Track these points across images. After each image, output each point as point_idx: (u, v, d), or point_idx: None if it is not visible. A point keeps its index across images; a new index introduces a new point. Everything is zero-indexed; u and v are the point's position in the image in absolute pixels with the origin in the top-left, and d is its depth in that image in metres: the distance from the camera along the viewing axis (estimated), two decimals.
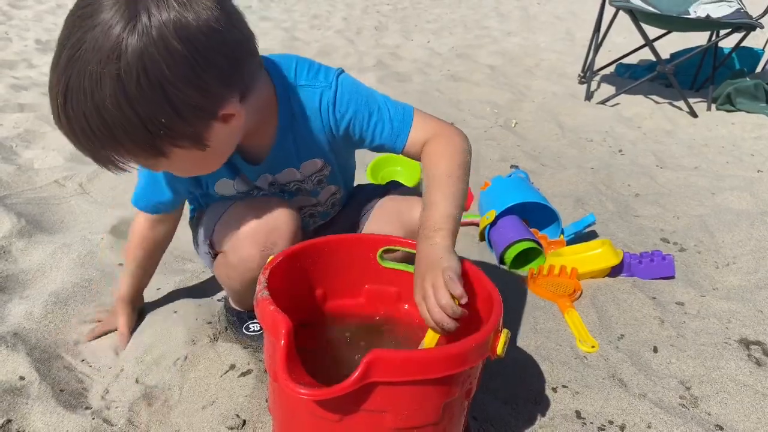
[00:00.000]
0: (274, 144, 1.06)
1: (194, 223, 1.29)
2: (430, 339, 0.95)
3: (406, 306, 1.11)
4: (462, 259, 1.04)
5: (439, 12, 7.02)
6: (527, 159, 2.59)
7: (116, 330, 1.35)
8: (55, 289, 1.48)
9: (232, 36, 0.83)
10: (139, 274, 1.33)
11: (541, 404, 1.20)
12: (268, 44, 4.74)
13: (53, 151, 2.36)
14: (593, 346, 1.37)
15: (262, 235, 1.06)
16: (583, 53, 4.04)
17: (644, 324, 1.48)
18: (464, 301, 0.90)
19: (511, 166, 2.42)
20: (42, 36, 4.48)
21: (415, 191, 1.27)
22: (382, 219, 1.23)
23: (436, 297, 0.90)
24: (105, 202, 2.02)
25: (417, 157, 1.11)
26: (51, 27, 4.86)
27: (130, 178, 2.17)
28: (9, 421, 1.09)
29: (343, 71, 1.09)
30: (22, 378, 1.18)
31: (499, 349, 0.86)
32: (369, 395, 0.79)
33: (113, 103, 0.77)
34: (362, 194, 1.33)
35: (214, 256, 1.18)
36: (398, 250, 1.09)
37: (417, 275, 0.96)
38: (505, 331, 0.88)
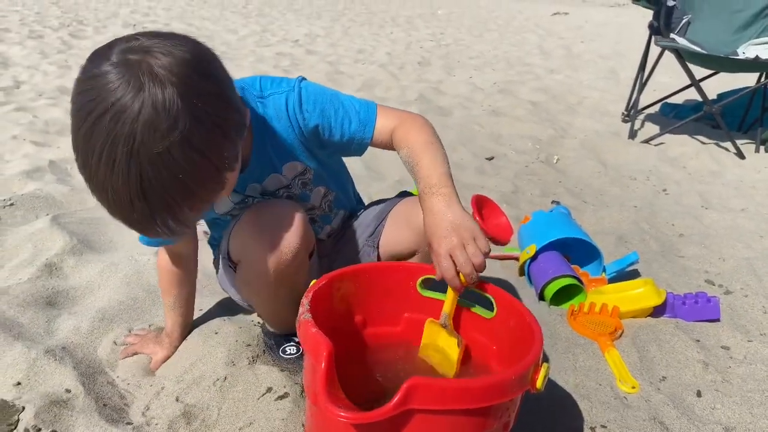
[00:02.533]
0: (253, 150, 1.12)
1: (217, 262, 1.33)
2: (450, 303, 1.03)
3: None
4: (501, 290, 1.05)
5: (481, 48, 7.09)
6: (569, 195, 2.57)
7: (148, 354, 1.37)
8: (102, 306, 1.53)
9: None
10: (178, 307, 1.36)
11: None
12: (313, 76, 4.86)
13: None
14: (634, 387, 1.34)
15: (267, 237, 1.09)
16: (627, 92, 4.02)
17: (687, 367, 1.44)
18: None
19: (552, 202, 2.41)
20: None
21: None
22: (394, 223, 1.29)
23: (470, 253, 0.94)
24: None
25: (388, 146, 1.16)
26: None
27: None
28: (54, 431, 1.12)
29: (305, 78, 1.15)
30: (68, 391, 1.22)
31: (539, 382, 0.86)
32: (407, 422, 0.79)
33: (188, 161, 0.81)
34: (380, 204, 1.37)
35: (235, 269, 1.21)
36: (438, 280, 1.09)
37: (433, 231, 0.98)
38: (545, 365, 0.87)
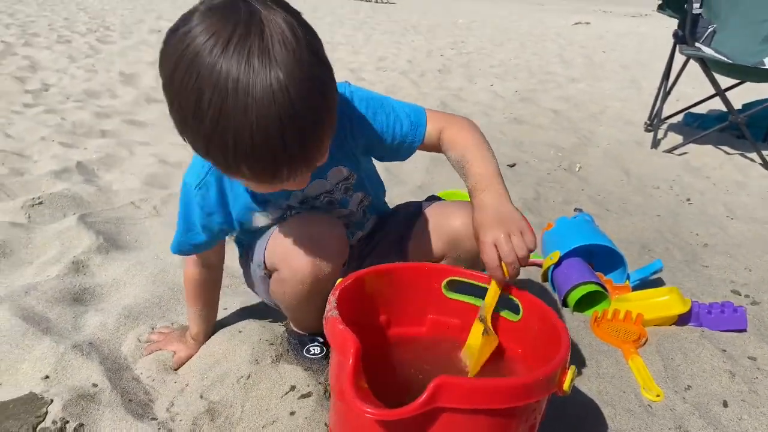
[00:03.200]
0: None
1: (243, 260, 1.34)
2: (492, 295, 1.02)
3: None
4: (527, 293, 1.05)
5: (502, 57, 7.09)
6: (591, 203, 2.56)
7: (172, 351, 1.38)
8: (128, 303, 1.55)
9: None
10: (204, 313, 1.37)
11: None
12: None
13: (131, 175, 2.49)
14: (658, 395, 1.33)
15: (308, 245, 1.09)
16: (650, 102, 4.00)
17: (713, 376, 1.42)
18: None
19: (575, 209, 2.40)
20: (125, 69, 4.77)
21: (453, 201, 1.32)
22: (423, 228, 1.28)
23: (515, 244, 0.95)
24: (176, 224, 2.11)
25: (436, 148, 1.17)
26: (133, 61, 5.17)
27: None
28: (81, 425, 1.14)
29: (350, 83, 1.15)
30: (95, 385, 1.24)
31: (566, 385, 0.85)
32: (433, 421, 0.80)
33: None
34: (409, 207, 1.37)
35: (269, 276, 1.22)
36: (464, 282, 1.09)
37: (481, 223, 1.00)
38: (572, 367, 0.87)
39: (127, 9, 9.54)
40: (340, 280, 1.01)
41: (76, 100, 3.76)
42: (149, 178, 2.48)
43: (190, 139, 0.85)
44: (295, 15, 0.84)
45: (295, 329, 1.35)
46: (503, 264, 0.96)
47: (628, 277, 1.73)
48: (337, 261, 1.12)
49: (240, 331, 1.41)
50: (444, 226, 1.21)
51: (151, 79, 4.51)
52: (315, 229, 1.12)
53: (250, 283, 1.37)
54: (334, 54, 6.41)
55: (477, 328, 1.04)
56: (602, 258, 1.76)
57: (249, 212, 1.17)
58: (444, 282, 1.10)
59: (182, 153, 2.86)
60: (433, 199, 1.40)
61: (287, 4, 0.85)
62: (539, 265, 1.82)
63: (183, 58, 0.79)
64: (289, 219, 1.16)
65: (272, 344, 1.38)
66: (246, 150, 0.80)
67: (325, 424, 1.16)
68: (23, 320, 1.39)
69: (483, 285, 1.07)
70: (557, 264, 1.68)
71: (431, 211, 1.28)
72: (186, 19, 0.82)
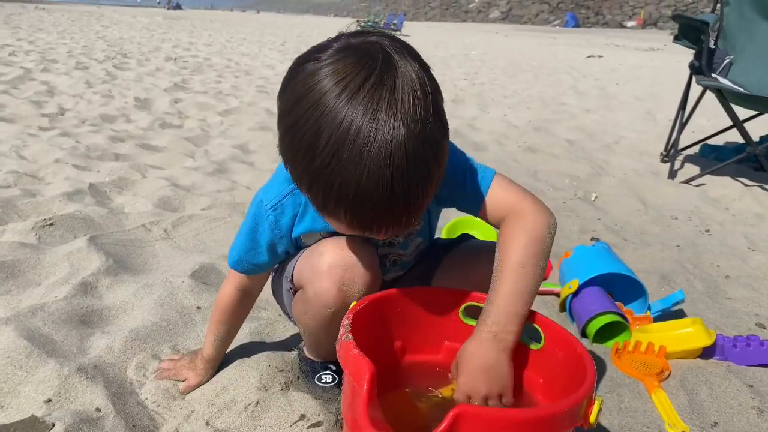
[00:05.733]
0: None
1: (277, 270, 1.30)
2: None
3: None
4: (550, 321, 1.00)
5: (515, 88, 7.11)
6: (608, 233, 2.51)
7: (183, 379, 1.33)
8: (135, 326, 1.51)
9: None
10: (224, 339, 1.32)
11: None
12: None
13: (143, 198, 2.47)
14: None
15: (339, 270, 1.05)
16: (664, 133, 3.97)
17: (741, 413, 1.36)
18: None
19: (592, 239, 2.35)
20: (141, 95, 4.83)
21: (486, 244, 1.24)
22: (448, 271, 1.22)
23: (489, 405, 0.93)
24: (187, 248, 2.08)
25: (494, 225, 1.08)
26: (149, 87, 5.23)
27: (212, 227, 2.24)
28: None
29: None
30: (98, 410, 1.20)
31: (592, 417, 0.81)
32: None
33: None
34: (436, 247, 1.30)
35: (294, 292, 1.18)
36: (482, 307, 1.05)
37: (467, 365, 0.96)
38: (599, 398, 0.82)
39: (144, 38, 9.72)
40: (354, 303, 0.97)
41: (92, 124, 3.79)
42: (161, 201, 2.46)
43: (296, 172, 0.85)
44: (426, 69, 0.83)
45: (308, 355, 1.30)
46: None
47: (648, 308, 1.68)
48: (366, 293, 1.06)
49: (249, 357, 1.37)
50: (470, 274, 1.14)
51: (166, 105, 4.56)
52: (350, 257, 1.05)
53: (276, 294, 1.32)
54: None
55: None
56: (622, 288, 1.71)
57: (314, 234, 1.12)
58: (462, 308, 1.06)
59: (194, 177, 2.86)
60: (465, 237, 1.34)
61: (419, 56, 0.85)
62: (557, 295, 1.77)
63: (308, 94, 0.79)
64: (327, 240, 1.10)
65: (282, 371, 1.34)
66: (350, 198, 0.79)
67: None
68: (28, 341, 1.35)
69: None
70: (576, 293, 1.64)
71: (459, 256, 1.23)
72: (318, 54, 0.82)
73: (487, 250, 1.16)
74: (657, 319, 1.66)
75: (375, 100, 0.76)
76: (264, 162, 3.32)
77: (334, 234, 1.10)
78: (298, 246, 1.16)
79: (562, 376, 0.96)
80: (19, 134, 3.34)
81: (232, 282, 1.24)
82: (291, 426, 1.18)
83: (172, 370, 1.34)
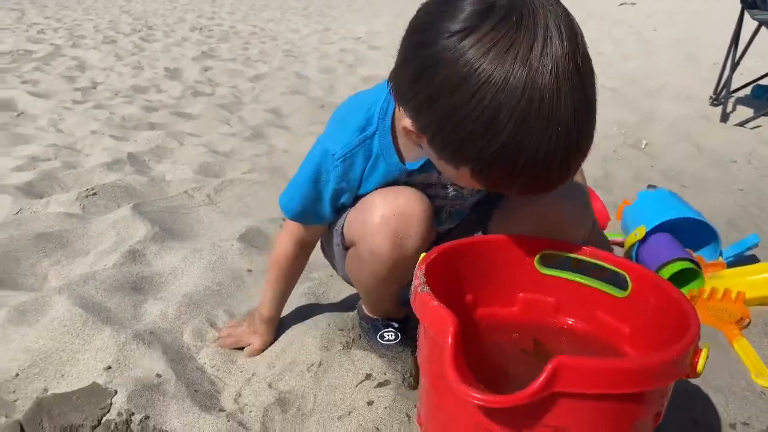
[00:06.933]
0: None
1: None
2: None
3: (570, 320, 0.99)
4: (637, 266, 0.92)
5: None
6: (664, 179, 2.39)
7: (247, 345, 1.29)
8: (188, 291, 1.48)
9: None
10: (283, 296, 1.28)
11: None
12: (378, 71, 4.80)
13: (183, 165, 2.44)
14: None
15: (392, 223, 0.98)
16: (710, 76, 3.77)
17: None
18: None
19: (649, 186, 2.24)
20: (170, 65, 4.78)
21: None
22: (506, 218, 1.11)
23: None
24: (231, 212, 2.05)
25: None
26: (177, 57, 5.18)
27: (254, 190, 2.20)
28: (147, 417, 1.07)
29: None
30: (158, 375, 1.17)
31: (700, 365, 0.73)
32: (550, 408, 0.69)
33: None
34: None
35: (345, 249, 1.12)
36: (560, 256, 0.98)
37: None
38: (706, 345, 0.74)
39: (168, 9, 9.64)
40: (424, 254, 0.91)
41: (124, 95, 3.76)
42: (201, 167, 2.43)
43: (465, 156, 0.77)
44: (569, 13, 0.76)
45: (368, 313, 1.25)
46: None
47: (720, 254, 1.58)
48: (422, 246, 0.99)
49: (306, 318, 1.33)
50: (533, 215, 1.04)
51: (196, 74, 4.50)
52: (403, 208, 0.98)
53: (326, 249, 1.26)
54: (375, 41, 6.31)
55: None
56: (689, 234, 1.60)
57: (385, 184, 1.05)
58: (537, 256, 0.98)
59: (231, 142, 2.81)
60: None
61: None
62: (619, 244, 1.68)
63: (474, 75, 0.71)
64: (377, 192, 1.03)
65: (341, 330, 1.29)
66: (536, 167, 0.74)
67: (407, 415, 1.06)
68: (83, 309, 1.33)
69: (583, 258, 0.95)
70: (642, 240, 1.54)
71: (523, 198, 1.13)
72: (452, 23, 0.73)
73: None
74: (730, 265, 1.56)
75: (543, 60, 0.70)
76: (298, 125, 3.26)
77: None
78: (356, 198, 1.09)
79: (653, 324, 0.88)
80: (55, 108, 3.33)
81: (289, 236, 1.18)
82: (357, 386, 1.13)
83: (234, 337, 1.30)
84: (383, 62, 5.08)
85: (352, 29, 7.55)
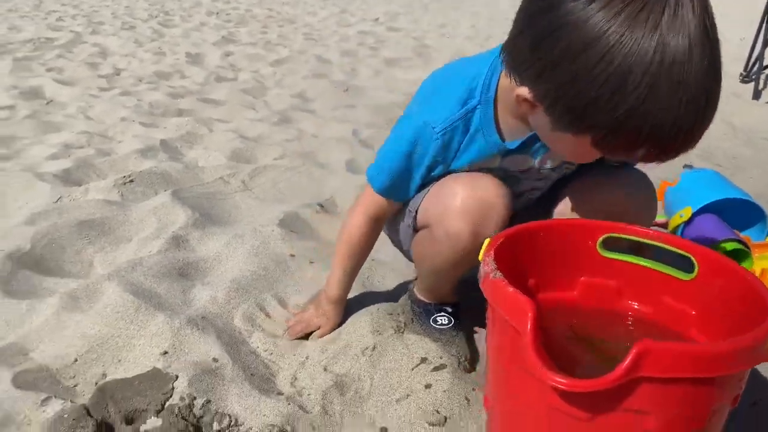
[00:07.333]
0: None
1: None
2: None
3: (634, 304, 0.99)
4: (703, 248, 0.92)
5: None
6: (698, 159, 2.36)
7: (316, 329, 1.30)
8: (235, 276, 1.49)
9: None
10: (352, 275, 1.27)
11: None
12: (399, 53, 4.77)
13: (215, 152, 2.45)
14: None
15: (474, 210, 0.98)
16: (738, 53, 3.70)
17: None
18: None
19: (684, 166, 2.22)
20: (191, 50, 4.77)
21: (615, 171, 1.14)
22: (578, 194, 1.11)
23: None
24: (267, 198, 2.06)
25: None
26: (198, 42, 5.17)
27: (288, 176, 2.21)
28: (208, 401, 1.08)
29: None
30: (215, 360, 1.19)
31: None
32: (632, 392, 0.69)
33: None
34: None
35: (415, 230, 1.12)
36: (622, 239, 0.97)
37: None
38: None
39: None
40: (488, 240, 0.90)
41: (148, 81, 3.77)
42: (233, 153, 2.43)
43: (590, 121, 0.77)
44: None
45: (420, 297, 1.25)
46: None
47: (767, 234, 1.57)
48: (497, 232, 0.99)
49: (357, 302, 1.34)
50: (597, 195, 1.06)
51: (217, 59, 4.50)
52: (485, 196, 0.98)
53: (391, 228, 1.24)
54: (394, 23, 6.27)
55: None
56: (734, 214, 1.59)
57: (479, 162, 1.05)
58: (600, 240, 0.98)
59: (260, 128, 2.81)
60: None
61: None
62: (663, 225, 1.67)
63: (602, 38, 0.71)
64: (458, 177, 1.03)
65: (391, 314, 1.30)
66: (664, 132, 0.74)
67: (466, 398, 1.07)
68: (134, 296, 1.35)
69: (647, 241, 0.95)
70: (688, 222, 1.53)
71: (584, 178, 1.12)
72: None
73: (616, 175, 1.08)
74: None
75: (675, 24, 0.69)
76: (324, 109, 3.25)
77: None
78: (448, 172, 1.08)
79: (721, 307, 0.88)
80: (82, 96, 3.34)
81: (365, 211, 1.16)
82: (413, 369, 1.14)
83: (302, 323, 1.30)
84: (405, 43, 5.05)
85: (369, 11, 7.49)
